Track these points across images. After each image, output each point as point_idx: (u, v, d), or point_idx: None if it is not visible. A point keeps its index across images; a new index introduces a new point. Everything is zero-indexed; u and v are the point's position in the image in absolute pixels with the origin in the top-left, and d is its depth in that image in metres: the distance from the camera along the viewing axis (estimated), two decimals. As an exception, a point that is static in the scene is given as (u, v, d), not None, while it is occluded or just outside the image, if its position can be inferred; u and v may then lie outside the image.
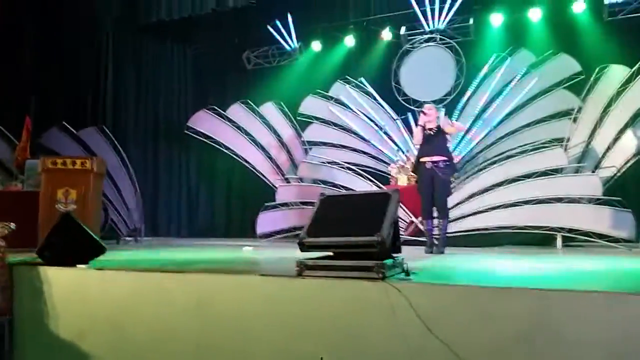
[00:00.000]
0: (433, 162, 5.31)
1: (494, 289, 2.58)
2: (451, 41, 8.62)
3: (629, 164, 6.67)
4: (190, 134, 8.87)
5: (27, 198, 6.12)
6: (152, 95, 9.73)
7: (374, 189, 7.67)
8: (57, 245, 3.72)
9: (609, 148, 6.86)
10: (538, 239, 7.08)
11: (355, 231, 2.88)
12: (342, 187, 7.91)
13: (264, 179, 8.76)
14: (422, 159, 5.40)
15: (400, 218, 7.48)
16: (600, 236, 6.42)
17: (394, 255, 3.04)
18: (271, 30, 10.05)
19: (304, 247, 2.96)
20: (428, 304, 2.62)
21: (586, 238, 6.52)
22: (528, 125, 7.91)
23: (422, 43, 8.87)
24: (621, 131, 6.76)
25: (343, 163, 8.19)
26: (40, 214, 5.70)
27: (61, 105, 8.37)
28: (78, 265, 3.70)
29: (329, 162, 8.25)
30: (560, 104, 7.72)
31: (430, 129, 5.39)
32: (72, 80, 8.71)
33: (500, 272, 3.74)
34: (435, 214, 5.47)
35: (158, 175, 9.57)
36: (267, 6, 9.91)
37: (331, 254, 3.03)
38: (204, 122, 8.88)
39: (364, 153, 8.87)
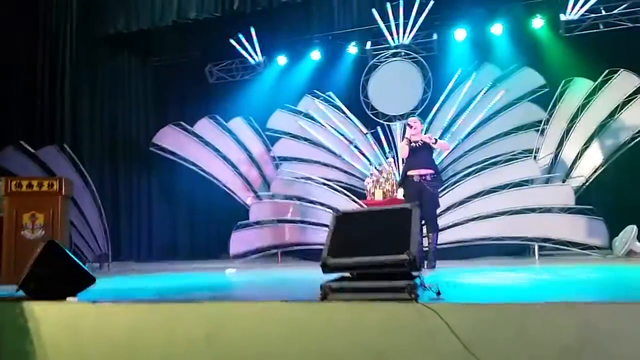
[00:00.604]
0: (420, 175, 5.30)
1: (534, 304, 2.52)
2: (417, 56, 8.74)
3: (597, 174, 6.92)
4: (155, 150, 8.51)
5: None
6: (111, 110, 9.28)
7: (352, 204, 7.61)
8: (42, 277, 3.38)
9: (577, 158, 7.10)
10: (513, 250, 7.22)
11: (381, 250, 2.76)
12: (318, 203, 7.80)
13: (234, 196, 8.51)
14: (409, 172, 5.38)
15: (378, 232, 7.43)
16: (575, 244, 6.61)
17: (414, 273, 2.94)
18: (234, 43, 9.87)
19: (327, 269, 2.82)
20: (466, 325, 2.52)
21: (562, 247, 6.69)
22: (495, 137, 8.11)
23: (388, 58, 8.94)
24: (588, 142, 7.02)
25: (318, 178, 8.08)
26: (4, 241, 5.27)
27: (17, 122, 7.81)
28: (68, 299, 3.38)
29: (303, 178, 8.11)
30: (526, 116, 7.96)
31: (416, 142, 5.38)
32: (28, 96, 8.17)
33: (524, 286, 3.72)
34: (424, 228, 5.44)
35: (118, 194, 9.08)
36: (229, 19, 9.75)
37: (348, 275, 2.91)
38: (170, 138, 8.55)
39: (336, 168, 8.81)
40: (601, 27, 8.45)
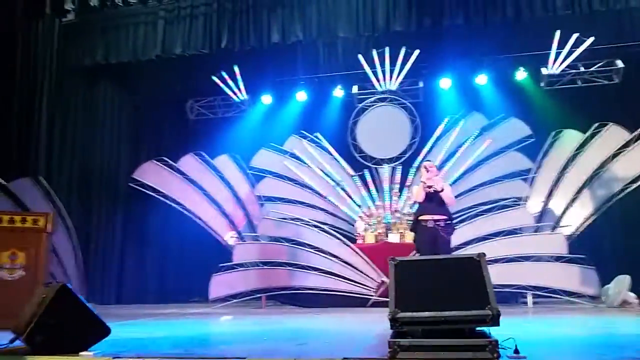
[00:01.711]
0: (435, 220, 5.16)
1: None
2: (405, 102, 8.82)
3: (587, 223, 7.05)
4: (135, 186, 8.05)
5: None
6: (86, 143, 8.76)
7: (345, 247, 7.39)
8: (51, 328, 2.97)
9: (567, 208, 7.23)
10: (501, 298, 7.15)
11: (457, 304, 2.57)
12: (308, 245, 7.52)
13: (216, 236, 8.11)
14: (422, 217, 5.24)
15: (371, 277, 7.24)
16: (568, 293, 6.63)
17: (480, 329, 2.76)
18: (217, 81, 9.66)
19: (397, 324, 2.59)
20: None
21: (553, 296, 6.69)
22: (482, 184, 8.17)
23: (376, 102, 8.97)
24: (578, 192, 7.18)
25: (309, 220, 7.84)
26: (-23, 283, 4.72)
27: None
28: (81, 353, 2.98)
29: (292, 219, 7.85)
30: (512, 165, 8.10)
31: (430, 187, 5.28)
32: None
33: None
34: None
35: (91, 231, 8.46)
36: (214, 57, 9.59)
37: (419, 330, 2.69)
38: (152, 174, 8.13)
39: (321, 209, 8.61)
40: (579, 82, 8.86)
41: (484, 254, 2.86)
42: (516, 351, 2.58)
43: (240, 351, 2.98)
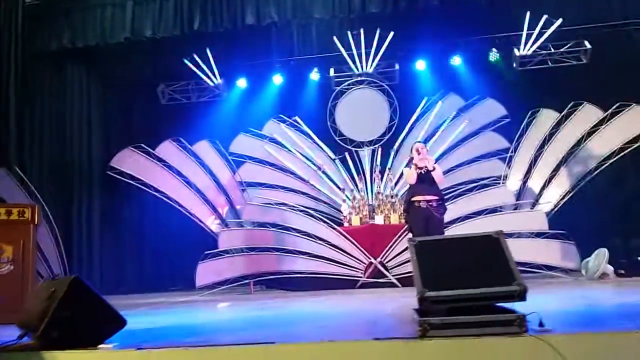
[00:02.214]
0: (427, 201, 5.26)
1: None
2: (383, 84, 8.85)
3: (565, 200, 7.31)
4: (113, 174, 7.81)
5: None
6: (57, 130, 8.44)
7: (332, 231, 7.43)
8: (66, 322, 2.87)
9: (545, 185, 7.46)
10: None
11: (484, 281, 2.63)
12: (294, 229, 7.52)
13: (200, 224, 7.99)
14: (414, 198, 5.32)
15: (358, 259, 7.31)
16: (549, 268, 6.88)
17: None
18: (189, 64, 9.42)
19: (427, 303, 2.63)
20: (583, 356, 2.45)
21: (536, 270, 6.94)
22: (460, 165, 8.34)
23: (354, 85, 8.96)
24: (555, 169, 7.42)
25: (295, 205, 7.83)
26: (-37, 279, 4.51)
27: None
28: (101, 346, 2.90)
29: (277, 204, 7.81)
30: (489, 145, 8.29)
31: (421, 168, 5.35)
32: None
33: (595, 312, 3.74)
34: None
35: (69, 223, 8.18)
36: (185, 39, 9.34)
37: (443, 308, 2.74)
38: (130, 162, 7.90)
39: (303, 193, 8.60)
40: (549, 63, 9.10)
41: (502, 232, 2.93)
42: (541, 324, 2.67)
43: (262, 336, 2.97)
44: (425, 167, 5.35)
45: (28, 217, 4.75)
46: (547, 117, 7.78)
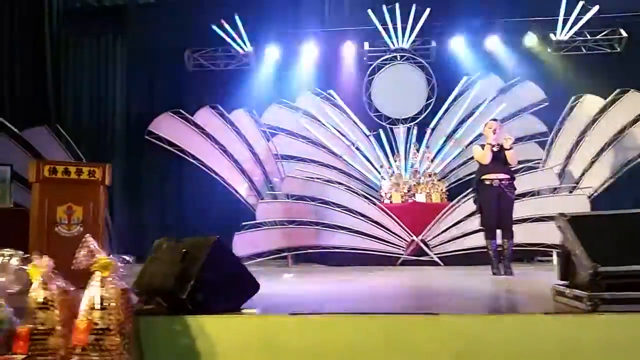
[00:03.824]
0: (500, 179, 5.20)
1: None
2: (422, 61, 8.72)
3: (605, 185, 7.37)
4: (151, 139, 7.53)
5: (8, 218, 4.58)
6: (87, 92, 8.08)
7: (372, 207, 7.34)
8: (210, 285, 2.73)
9: (586, 170, 7.51)
10: (525, 255, 7.42)
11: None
12: (334, 204, 7.40)
13: (236, 194, 7.80)
14: (485, 177, 5.26)
15: (400, 236, 7.26)
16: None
17: None
18: (218, 30, 9.10)
19: (600, 278, 2.58)
20: None
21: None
22: (497, 146, 8.31)
23: (391, 60, 8.80)
24: (597, 155, 7.46)
25: (334, 178, 7.70)
26: (33, 239, 4.26)
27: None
28: (245, 310, 2.77)
29: (319, 178, 7.67)
30: (526, 128, 8.29)
31: (493, 146, 5.28)
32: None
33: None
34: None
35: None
36: (212, 4, 9.05)
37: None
38: (168, 127, 7.64)
39: (335, 168, 8.46)
40: (583, 50, 9.10)
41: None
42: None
43: (389, 307, 2.88)
44: (498, 144, 5.29)
45: (98, 177, 4.51)
46: (591, 103, 7.78)
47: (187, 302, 2.67)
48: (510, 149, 5.25)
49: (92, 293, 2.51)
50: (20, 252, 2.63)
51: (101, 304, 2.48)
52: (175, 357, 2.62)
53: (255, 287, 2.93)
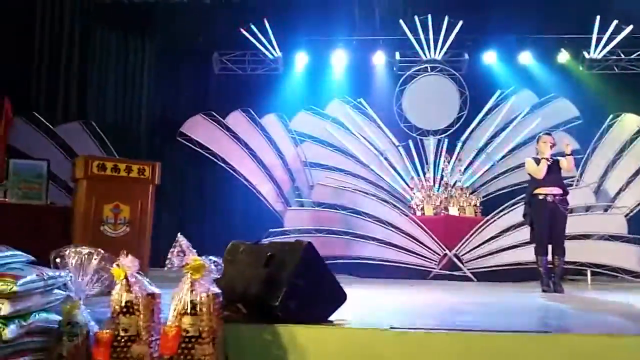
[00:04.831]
0: (554, 195, 5.05)
1: None
2: (456, 73, 8.62)
3: (640, 206, 7.25)
4: (182, 140, 7.34)
5: (45, 216, 4.37)
6: (113, 90, 7.90)
7: (404, 218, 7.17)
8: (302, 292, 2.54)
9: (621, 189, 7.38)
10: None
11: None
12: (365, 214, 7.23)
13: (264, 201, 7.61)
14: (539, 191, 5.10)
15: (432, 250, 7.09)
16: (627, 272, 6.81)
17: None
18: (246, 34, 8.97)
19: None
20: None
21: (613, 274, 6.86)
22: (528, 162, 8.19)
23: (424, 71, 8.69)
24: (635, 174, 7.34)
25: (365, 188, 7.53)
26: (78, 238, 4.05)
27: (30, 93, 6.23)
28: (336, 322, 2.58)
29: (350, 187, 7.50)
30: (559, 145, 8.14)
31: (547, 160, 5.14)
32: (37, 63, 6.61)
33: None
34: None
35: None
36: (241, 8, 8.93)
37: None
38: (201, 129, 7.46)
39: (362, 178, 8.30)
40: (615, 69, 9.03)
41: None
42: None
43: (483, 324, 2.71)
44: (551, 158, 5.15)
45: (148, 176, 4.33)
46: (630, 121, 7.69)
47: (278, 310, 2.48)
48: (571, 154, 5.13)
49: (182, 297, 2.31)
50: (100, 251, 2.43)
51: (192, 309, 2.29)
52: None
53: (343, 296, 2.73)
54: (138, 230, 4.27)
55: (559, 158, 5.23)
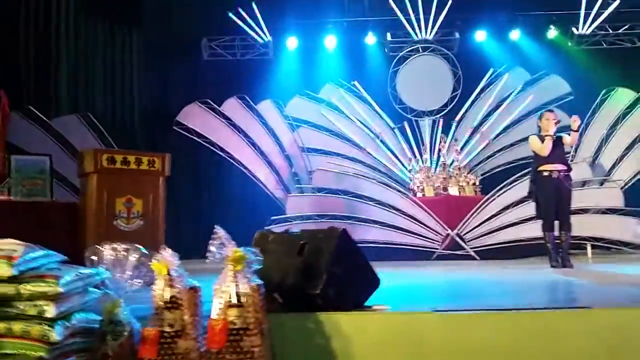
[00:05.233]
0: (558, 171, 5.10)
1: None
2: (448, 52, 8.61)
3: (636, 178, 7.38)
4: (179, 130, 7.22)
5: (51, 212, 4.26)
6: (97, 81, 7.70)
7: (406, 200, 7.20)
8: (340, 279, 2.53)
9: (616, 163, 7.51)
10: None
11: None
12: (367, 197, 7.23)
13: (264, 188, 7.56)
14: (543, 168, 5.14)
15: (435, 230, 7.14)
16: (625, 244, 6.96)
17: None
18: (235, 19, 8.82)
19: None
20: None
21: (612, 246, 7.01)
22: (524, 139, 8.24)
23: (416, 51, 8.66)
24: (628, 148, 7.46)
25: (364, 171, 7.52)
26: (91, 233, 3.98)
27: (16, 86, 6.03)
28: (376, 307, 2.58)
29: (350, 171, 7.48)
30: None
31: (552, 137, 5.18)
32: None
33: None
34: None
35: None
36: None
37: None
38: (197, 118, 7.35)
39: (359, 161, 8.30)
40: (604, 44, 9.12)
41: None
42: None
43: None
44: (554, 135, 5.19)
45: (158, 168, 4.24)
46: (622, 96, 7.79)
47: (319, 298, 2.46)
48: (577, 130, 5.17)
49: (226, 289, 2.28)
50: (138, 246, 2.38)
51: (237, 301, 2.26)
52: (310, 357, 2.42)
53: (377, 281, 2.74)
54: (151, 224, 4.20)
55: (562, 134, 5.27)
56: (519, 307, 2.52)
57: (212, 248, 2.31)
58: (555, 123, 5.20)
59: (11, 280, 2.10)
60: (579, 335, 2.39)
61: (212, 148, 7.44)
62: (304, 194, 7.46)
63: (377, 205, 7.18)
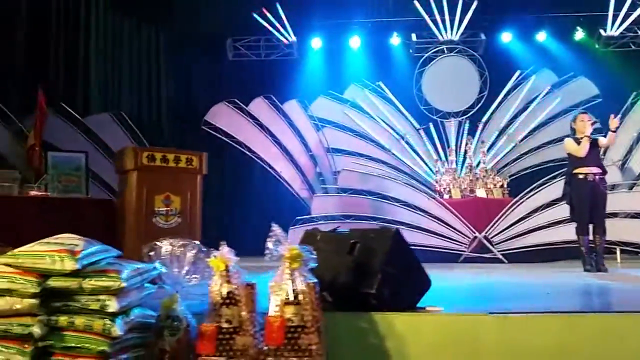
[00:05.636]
0: (594, 174, 5.04)
1: None
2: (475, 53, 8.56)
3: (667, 182, 7.28)
4: (207, 129, 7.26)
5: (87, 208, 4.30)
6: (131, 78, 7.77)
7: (432, 202, 7.15)
8: (394, 280, 2.52)
9: (646, 166, 7.41)
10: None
11: None
12: (393, 198, 7.20)
13: (289, 188, 7.56)
14: (579, 170, 5.08)
15: (462, 233, 7.09)
16: (656, 249, 6.86)
17: None
18: (259, 19, 8.85)
19: None
20: None
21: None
22: (550, 142, 8.21)
23: (442, 52, 8.62)
24: (658, 151, 7.36)
25: (389, 172, 7.50)
26: (130, 231, 3.99)
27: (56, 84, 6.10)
28: (430, 309, 2.56)
29: (376, 172, 7.46)
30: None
31: (589, 138, 5.11)
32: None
33: None
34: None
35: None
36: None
37: None
38: (224, 117, 7.37)
39: (383, 162, 8.27)
40: (632, 46, 9.01)
41: None
42: None
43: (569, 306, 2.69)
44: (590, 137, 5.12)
45: (196, 166, 4.24)
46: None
47: (373, 298, 2.45)
48: (615, 131, 5.10)
49: (284, 286, 2.28)
50: (195, 242, 2.38)
51: (295, 298, 2.26)
52: (363, 357, 2.41)
53: (428, 282, 2.72)
54: (189, 221, 4.21)
55: (597, 137, 5.21)
56: (574, 310, 2.49)
57: (269, 245, 2.32)
58: (592, 124, 5.14)
59: (73, 274, 2.12)
60: (637, 338, 2.36)
61: (239, 147, 7.46)
62: (329, 194, 7.45)
63: (403, 206, 7.14)
